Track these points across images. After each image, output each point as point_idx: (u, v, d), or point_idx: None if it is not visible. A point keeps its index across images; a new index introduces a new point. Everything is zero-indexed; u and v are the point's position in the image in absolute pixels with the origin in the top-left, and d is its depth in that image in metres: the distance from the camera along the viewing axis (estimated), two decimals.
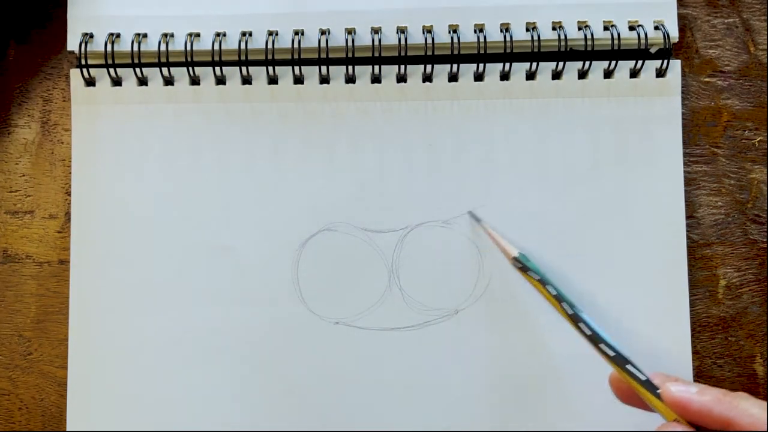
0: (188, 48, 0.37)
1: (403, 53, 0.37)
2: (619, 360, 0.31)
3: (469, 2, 0.37)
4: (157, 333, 0.37)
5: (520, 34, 0.37)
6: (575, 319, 0.32)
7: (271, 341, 0.37)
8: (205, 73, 0.38)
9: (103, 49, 0.37)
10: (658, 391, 0.29)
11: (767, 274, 0.38)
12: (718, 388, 0.28)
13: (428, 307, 0.37)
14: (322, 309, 0.37)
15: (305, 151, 0.38)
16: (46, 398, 0.38)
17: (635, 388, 0.30)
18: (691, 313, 0.37)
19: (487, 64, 0.37)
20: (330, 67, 0.37)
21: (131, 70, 0.37)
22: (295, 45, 0.37)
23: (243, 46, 0.37)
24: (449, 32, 0.37)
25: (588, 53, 0.37)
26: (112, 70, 0.37)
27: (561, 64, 0.37)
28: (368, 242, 0.37)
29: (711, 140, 0.39)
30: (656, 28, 0.37)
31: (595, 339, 0.31)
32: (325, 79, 0.38)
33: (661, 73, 0.37)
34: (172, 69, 0.38)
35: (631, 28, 0.37)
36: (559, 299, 0.33)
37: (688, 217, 0.38)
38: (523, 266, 0.34)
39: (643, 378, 0.30)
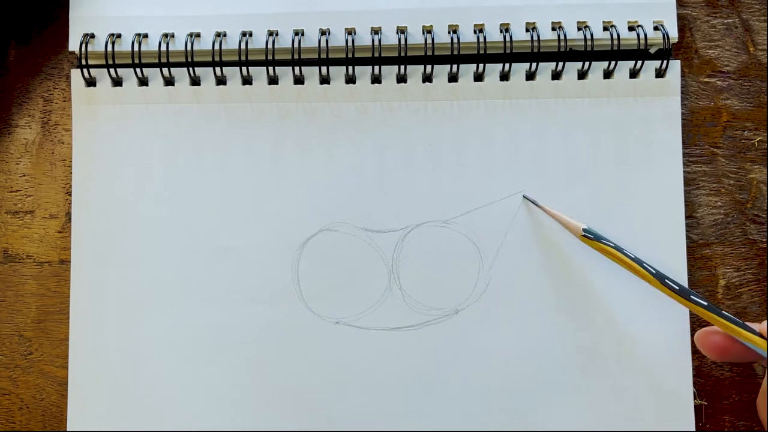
0: (188, 48, 0.37)
1: (403, 53, 0.37)
2: (713, 309, 0.31)
3: (469, 2, 0.37)
4: (157, 333, 0.37)
5: (520, 35, 0.37)
6: (660, 278, 0.32)
7: (271, 341, 0.37)
8: (206, 74, 0.38)
9: (103, 49, 0.37)
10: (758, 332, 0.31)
11: (767, 274, 0.38)
12: None
13: (428, 307, 0.37)
14: (322, 309, 0.37)
15: (305, 151, 0.38)
16: (46, 398, 0.38)
17: (734, 333, 0.31)
18: (690, 313, 0.37)
19: (487, 65, 0.37)
20: (330, 68, 0.37)
21: (132, 70, 0.37)
22: (295, 45, 0.37)
23: (243, 46, 0.37)
24: (449, 32, 0.37)
25: (588, 53, 0.37)
26: (112, 71, 0.38)
27: (561, 64, 0.37)
28: (368, 242, 0.38)
29: (710, 140, 0.39)
30: (656, 28, 0.37)
31: (684, 293, 0.32)
32: (325, 80, 0.38)
33: (660, 73, 0.37)
34: (172, 69, 0.38)
35: (631, 29, 0.37)
36: (639, 262, 0.33)
37: (687, 217, 0.38)
38: (595, 236, 0.34)
39: (740, 321, 0.31)
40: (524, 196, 0.37)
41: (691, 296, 0.32)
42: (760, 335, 0.31)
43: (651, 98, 0.37)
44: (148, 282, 0.37)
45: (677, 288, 0.32)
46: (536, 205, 0.37)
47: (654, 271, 0.33)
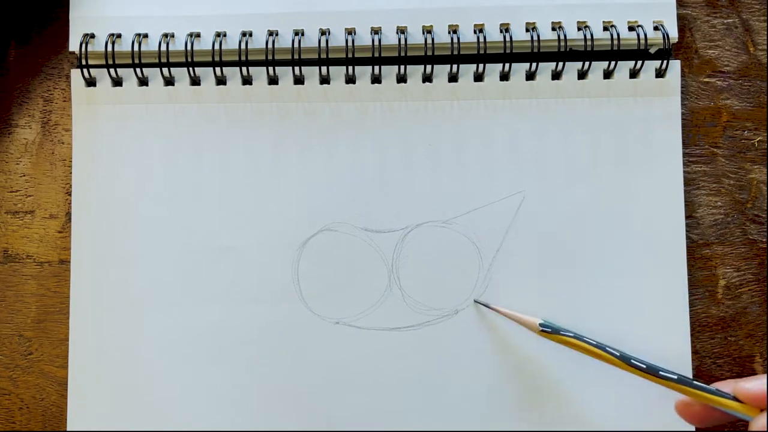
0: (189, 48, 0.37)
1: (403, 53, 0.37)
2: (685, 381, 0.31)
3: (469, 2, 0.37)
4: (157, 333, 0.37)
5: (520, 35, 0.37)
6: (625, 359, 0.32)
7: (271, 341, 0.37)
8: (206, 74, 0.38)
9: (103, 49, 0.37)
10: (732, 395, 0.30)
11: (767, 274, 0.38)
12: None
13: (428, 307, 0.37)
14: (322, 309, 0.37)
15: (305, 151, 0.38)
16: (46, 398, 0.38)
17: (710, 401, 0.31)
18: (690, 313, 0.37)
19: (487, 65, 0.37)
20: (330, 68, 0.37)
21: (132, 70, 0.37)
22: (295, 45, 0.37)
23: (243, 46, 0.37)
24: (449, 32, 0.37)
25: (588, 53, 0.37)
26: (112, 71, 0.38)
27: (561, 64, 0.37)
28: (368, 242, 0.38)
29: (710, 140, 0.39)
30: (656, 28, 0.37)
31: (651, 370, 0.32)
32: (325, 80, 0.38)
33: (660, 73, 0.37)
34: (172, 69, 0.38)
35: (631, 29, 0.37)
36: (601, 347, 0.33)
37: (687, 217, 0.38)
38: (552, 330, 0.34)
39: (713, 389, 0.31)
40: (475, 301, 0.37)
41: (660, 372, 0.32)
42: (734, 398, 0.30)
43: (651, 98, 0.37)
44: (148, 282, 0.37)
45: (644, 367, 0.32)
46: (488, 307, 0.36)
47: (618, 354, 0.33)
